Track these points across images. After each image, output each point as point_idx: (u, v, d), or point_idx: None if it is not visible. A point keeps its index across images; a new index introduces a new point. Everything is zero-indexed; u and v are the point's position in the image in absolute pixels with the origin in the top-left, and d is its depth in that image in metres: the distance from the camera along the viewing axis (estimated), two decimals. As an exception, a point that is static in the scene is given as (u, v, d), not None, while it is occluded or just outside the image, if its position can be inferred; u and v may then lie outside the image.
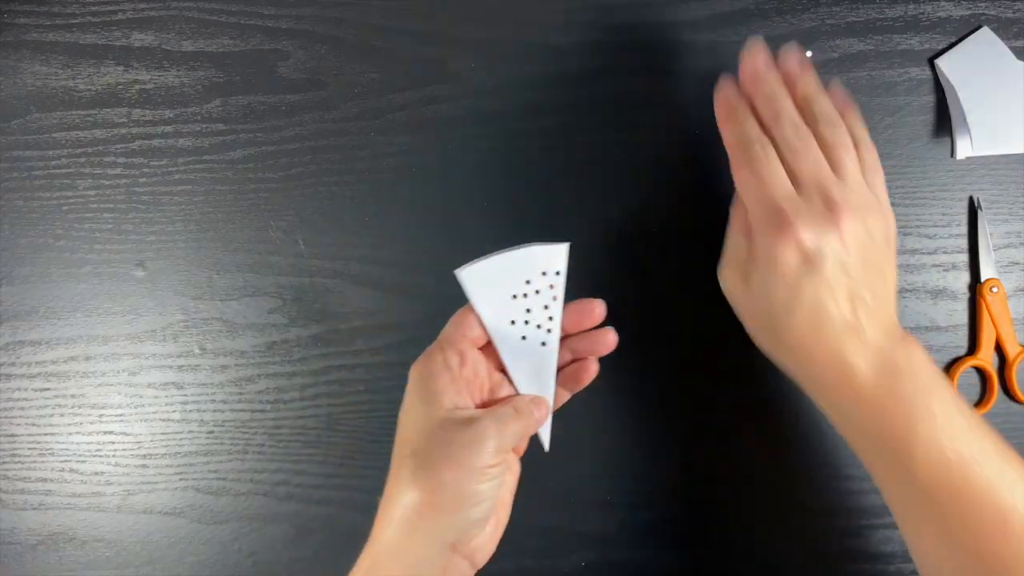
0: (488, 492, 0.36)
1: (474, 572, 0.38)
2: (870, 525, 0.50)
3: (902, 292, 0.51)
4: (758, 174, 0.37)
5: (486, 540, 0.38)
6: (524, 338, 0.40)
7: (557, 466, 0.51)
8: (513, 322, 0.40)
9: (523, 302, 0.40)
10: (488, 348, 0.41)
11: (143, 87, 0.53)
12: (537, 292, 0.40)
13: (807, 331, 0.36)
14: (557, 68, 0.52)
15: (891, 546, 0.50)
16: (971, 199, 0.50)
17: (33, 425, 0.53)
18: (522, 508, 0.51)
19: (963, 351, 0.51)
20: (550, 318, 0.40)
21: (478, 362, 0.40)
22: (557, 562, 0.51)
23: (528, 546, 0.51)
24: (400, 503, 0.35)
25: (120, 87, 0.53)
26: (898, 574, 0.51)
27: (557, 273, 0.40)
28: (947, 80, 0.51)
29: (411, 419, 0.38)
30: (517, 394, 0.41)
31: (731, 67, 0.52)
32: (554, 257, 0.40)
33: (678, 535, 0.51)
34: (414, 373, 0.39)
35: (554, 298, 0.40)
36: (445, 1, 0.53)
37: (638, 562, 0.51)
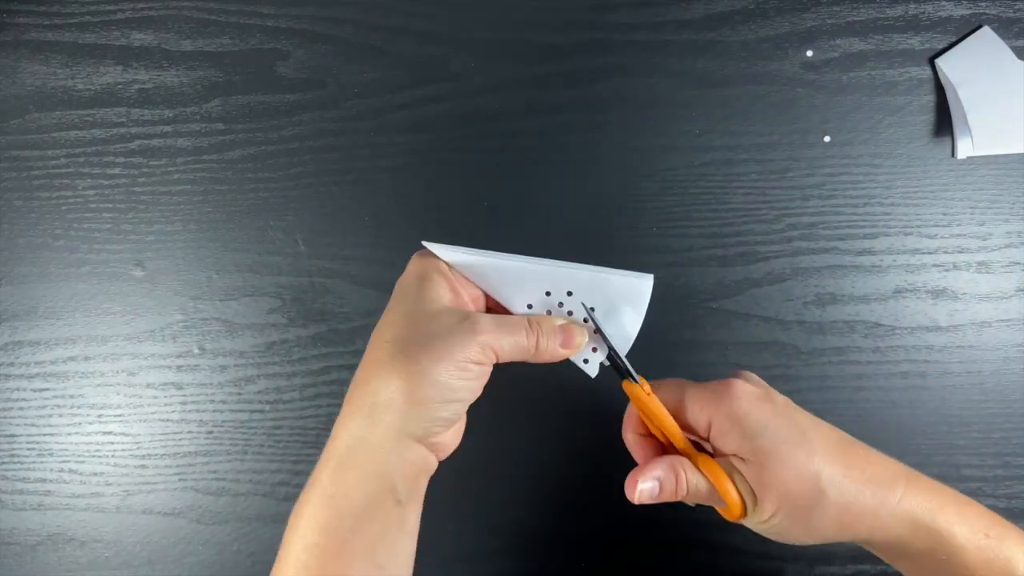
0: (463, 390, 0.34)
1: (437, 464, 0.37)
2: (870, 525, 0.50)
3: (903, 292, 0.51)
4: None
5: (451, 438, 0.37)
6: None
7: (557, 466, 0.51)
8: (530, 306, 0.38)
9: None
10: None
11: (142, 87, 0.53)
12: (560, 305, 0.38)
13: (838, 530, 0.36)
14: (557, 68, 0.52)
15: (892, 546, 0.50)
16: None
17: (32, 425, 0.53)
18: (522, 508, 0.51)
19: (965, 352, 0.51)
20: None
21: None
22: (557, 562, 0.51)
23: (528, 547, 0.51)
24: (369, 390, 0.34)
25: (119, 87, 0.53)
26: (898, 575, 0.50)
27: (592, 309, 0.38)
28: (948, 80, 0.51)
29: (401, 304, 0.36)
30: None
31: (731, 67, 0.52)
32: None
33: (678, 535, 0.51)
34: (418, 261, 0.37)
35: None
36: (445, 1, 0.52)
37: (638, 562, 0.51)
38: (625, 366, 0.38)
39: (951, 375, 0.51)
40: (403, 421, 0.33)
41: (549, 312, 0.38)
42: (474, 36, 0.52)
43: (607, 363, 0.39)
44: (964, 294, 0.51)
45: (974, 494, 0.51)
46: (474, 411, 0.52)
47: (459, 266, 0.37)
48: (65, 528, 0.53)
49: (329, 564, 0.33)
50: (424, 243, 0.37)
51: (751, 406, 0.36)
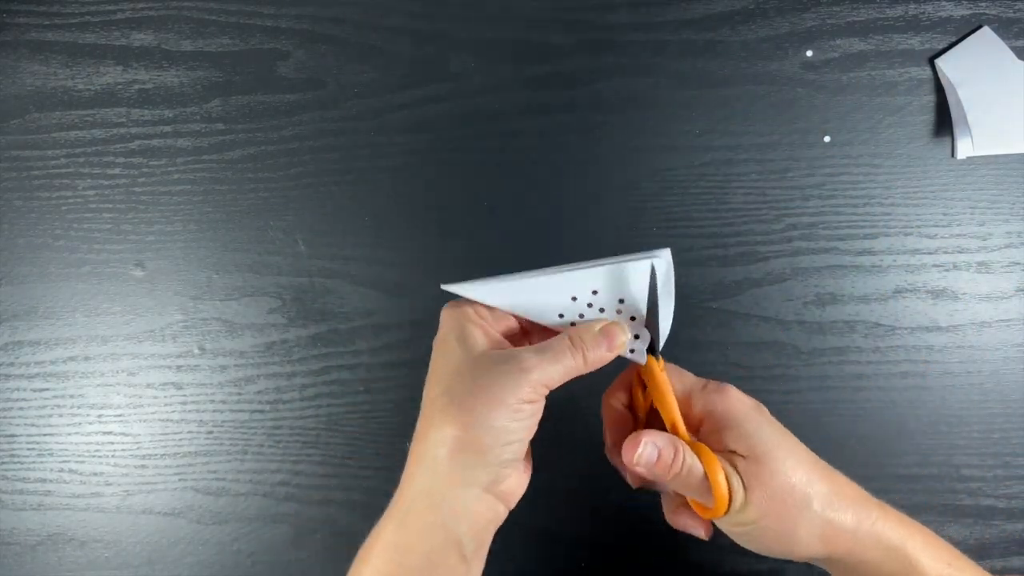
0: (521, 430, 0.34)
1: (507, 513, 0.36)
2: (870, 525, 0.50)
3: (903, 292, 0.51)
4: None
5: (517, 483, 0.36)
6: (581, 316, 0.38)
7: (557, 467, 0.51)
8: (561, 315, 0.38)
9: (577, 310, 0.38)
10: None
11: (142, 87, 0.53)
12: (590, 306, 0.38)
13: (819, 544, 0.36)
14: (557, 68, 0.52)
15: (892, 546, 0.50)
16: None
17: (32, 425, 0.53)
18: (522, 509, 0.51)
19: (965, 352, 0.51)
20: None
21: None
22: (557, 562, 0.51)
23: (528, 547, 0.51)
24: (430, 443, 0.33)
25: (119, 87, 0.53)
26: None
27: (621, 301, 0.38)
28: (948, 80, 0.51)
29: (444, 359, 0.35)
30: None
31: (731, 67, 0.52)
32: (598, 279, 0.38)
33: (678, 535, 0.51)
34: (448, 315, 0.37)
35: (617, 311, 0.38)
36: (445, 1, 0.52)
37: (638, 562, 0.51)
38: (657, 341, 0.37)
39: (951, 375, 0.51)
40: (465, 470, 0.33)
41: (581, 316, 0.38)
42: (474, 36, 0.52)
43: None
44: (964, 294, 0.51)
45: (974, 494, 0.51)
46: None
47: (482, 297, 0.37)
48: (65, 528, 0.53)
49: None
50: (443, 286, 0.37)
51: (748, 409, 0.36)
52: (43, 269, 0.53)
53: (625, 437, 0.36)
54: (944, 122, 0.51)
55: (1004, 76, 0.51)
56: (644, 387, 0.39)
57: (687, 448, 0.36)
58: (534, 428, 0.35)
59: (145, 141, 0.53)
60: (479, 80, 0.52)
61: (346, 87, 0.53)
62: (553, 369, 0.34)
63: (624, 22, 0.52)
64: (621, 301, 0.37)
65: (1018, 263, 0.51)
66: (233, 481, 0.52)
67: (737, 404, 0.36)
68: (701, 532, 0.39)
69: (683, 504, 0.39)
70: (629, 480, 0.39)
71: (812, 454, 0.37)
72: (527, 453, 0.37)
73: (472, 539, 0.34)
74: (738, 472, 0.35)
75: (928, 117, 0.52)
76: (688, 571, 0.51)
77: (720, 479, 0.35)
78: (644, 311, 0.37)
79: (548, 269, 0.38)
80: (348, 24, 0.53)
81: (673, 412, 0.37)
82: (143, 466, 0.52)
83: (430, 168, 0.52)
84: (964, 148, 0.51)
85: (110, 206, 0.53)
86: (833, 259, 0.51)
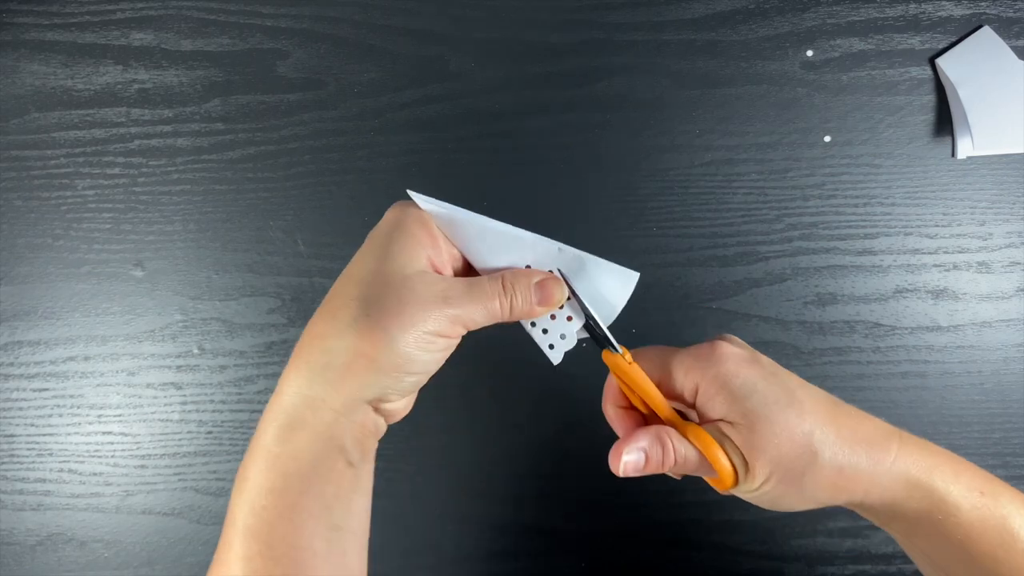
0: (428, 363, 0.33)
1: (386, 428, 0.35)
2: (871, 525, 0.50)
3: (903, 292, 0.51)
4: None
5: (404, 405, 0.35)
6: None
7: (556, 467, 0.51)
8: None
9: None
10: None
11: (142, 86, 0.53)
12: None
13: (833, 493, 0.35)
14: (556, 68, 0.52)
15: (892, 546, 0.50)
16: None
17: (31, 426, 0.53)
18: (522, 508, 0.51)
19: (966, 352, 0.51)
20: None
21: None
22: (557, 562, 0.51)
23: (528, 546, 0.51)
24: (325, 347, 0.32)
25: (119, 86, 0.53)
26: (899, 574, 0.50)
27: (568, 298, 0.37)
28: (948, 79, 0.51)
29: (373, 259, 0.33)
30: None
31: (731, 67, 0.52)
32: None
33: (678, 535, 0.51)
34: (396, 218, 0.34)
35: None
36: (445, 1, 0.52)
37: (638, 562, 0.51)
38: (604, 334, 0.36)
39: (951, 375, 0.51)
40: (360, 387, 0.32)
41: None
42: (474, 36, 0.52)
43: (583, 336, 0.37)
44: (964, 294, 0.51)
45: (974, 494, 0.51)
46: (475, 412, 0.52)
47: (440, 221, 0.35)
48: (65, 528, 0.53)
49: (279, 527, 0.31)
50: (409, 192, 0.35)
51: (738, 368, 0.34)
52: (43, 269, 0.53)
53: None
54: (944, 122, 0.51)
55: (1004, 76, 0.50)
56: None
57: (675, 436, 0.35)
58: (440, 363, 0.34)
59: (145, 141, 0.53)
60: (479, 80, 0.52)
61: (346, 87, 0.52)
62: (475, 310, 0.33)
63: (624, 22, 0.52)
64: (568, 298, 0.36)
65: (1018, 263, 0.51)
66: (233, 481, 0.52)
67: (726, 365, 0.34)
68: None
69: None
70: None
71: (817, 395, 0.35)
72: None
73: (356, 447, 0.33)
74: (735, 443, 0.34)
75: (928, 117, 0.52)
76: (688, 571, 0.51)
77: (719, 456, 0.34)
78: (592, 298, 0.36)
79: (520, 229, 0.36)
80: (348, 24, 0.53)
81: (653, 400, 0.36)
82: (143, 466, 0.52)
83: (430, 168, 0.52)
84: (964, 148, 0.51)
85: (110, 206, 0.53)
86: (833, 259, 0.51)
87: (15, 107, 0.53)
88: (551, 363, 0.36)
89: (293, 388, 0.32)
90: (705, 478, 0.37)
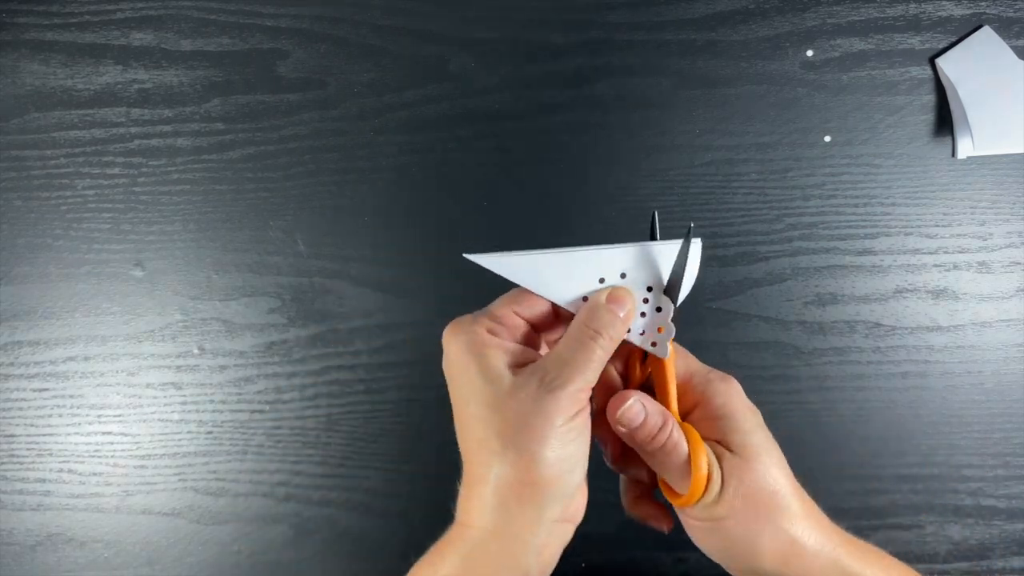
0: (577, 453, 0.33)
1: (573, 531, 0.36)
2: (870, 526, 0.50)
3: (903, 292, 0.51)
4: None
5: (582, 498, 0.36)
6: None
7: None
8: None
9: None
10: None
11: (142, 86, 0.53)
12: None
13: (777, 560, 0.35)
14: (557, 68, 0.52)
15: (892, 547, 0.50)
16: None
17: (31, 426, 0.53)
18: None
19: (966, 352, 0.51)
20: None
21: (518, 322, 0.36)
22: (557, 562, 0.51)
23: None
24: (492, 488, 0.32)
25: (119, 86, 0.53)
26: (899, 575, 0.50)
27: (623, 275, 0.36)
28: (948, 79, 0.51)
29: (472, 396, 0.33)
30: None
31: (731, 67, 0.52)
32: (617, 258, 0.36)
33: (678, 536, 0.51)
34: (456, 341, 0.34)
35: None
36: (445, 1, 0.52)
37: (638, 562, 0.51)
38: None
39: (952, 375, 0.51)
40: (537, 510, 0.32)
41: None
42: (474, 36, 0.52)
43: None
44: (964, 294, 0.51)
45: (975, 494, 0.51)
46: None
47: (506, 272, 0.35)
48: (64, 528, 0.53)
49: None
50: (465, 255, 0.35)
51: (747, 408, 0.36)
52: (43, 269, 0.53)
53: None
54: (944, 122, 0.51)
55: (1004, 76, 0.50)
56: (644, 357, 0.38)
57: (676, 425, 0.35)
58: (588, 441, 0.34)
59: (144, 141, 0.53)
60: (479, 80, 0.52)
61: (346, 87, 0.52)
62: (590, 371, 0.33)
63: (624, 22, 0.52)
64: (649, 289, 0.36)
65: (1018, 263, 0.51)
66: (233, 481, 0.52)
67: (737, 399, 0.36)
68: (663, 525, 0.38)
69: (645, 493, 0.39)
70: (607, 457, 0.38)
71: (793, 476, 0.36)
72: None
73: (543, 568, 0.34)
74: (720, 465, 0.34)
75: (928, 117, 0.52)
76: (688, 571, 0.51)
77: (702, 462, 0.34)
78: (673, 302, 0.36)
79: (573, 247, 0.36)
80: (348, 24, 0.53)
81: (671, 391, 0.36)
82: (142, 466, 0.52)
83: (430, 168, 0.52)
84: (964, 148, 0.51)
85: (109, 206, 0.53)
86: (833, 259, 0.51)
87: (15, 107, 0.53)
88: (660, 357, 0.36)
89: (475, 525, 0.33)
90: (663, 488, 0.37)
